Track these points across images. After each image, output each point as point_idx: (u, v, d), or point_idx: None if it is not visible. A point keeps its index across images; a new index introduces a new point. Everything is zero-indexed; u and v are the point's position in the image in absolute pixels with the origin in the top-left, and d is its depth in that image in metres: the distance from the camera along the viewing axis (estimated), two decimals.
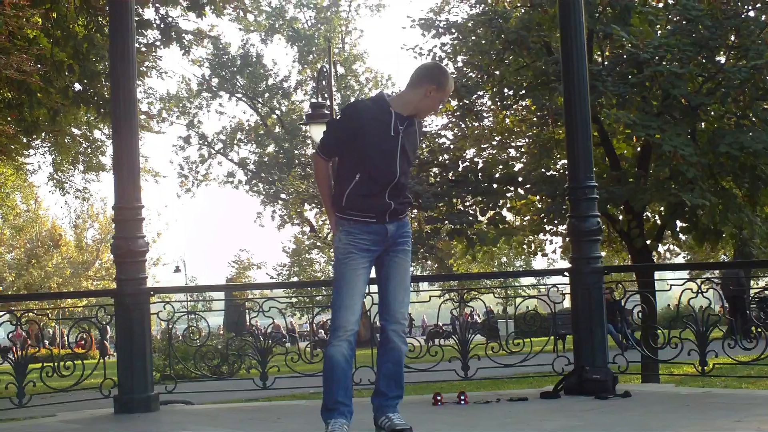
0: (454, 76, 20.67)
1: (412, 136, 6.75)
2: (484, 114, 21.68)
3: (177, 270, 63.97)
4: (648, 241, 18.81)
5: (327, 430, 6.44)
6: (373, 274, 6.81)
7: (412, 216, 21.10)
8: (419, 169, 20.07)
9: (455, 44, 20.91)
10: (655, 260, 21.32)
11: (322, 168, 6.85)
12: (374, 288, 7.08)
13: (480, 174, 19.86)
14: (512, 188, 20.03)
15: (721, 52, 18.22)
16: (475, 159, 20.92)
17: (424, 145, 21.47)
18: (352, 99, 39.12)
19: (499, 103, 20.50)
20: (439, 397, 8.67)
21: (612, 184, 17.50)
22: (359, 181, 6.58)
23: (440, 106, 6.71)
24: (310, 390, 11.25)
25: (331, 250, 9.06)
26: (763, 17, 17.79)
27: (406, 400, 7.31)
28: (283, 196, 48.11)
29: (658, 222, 20.02)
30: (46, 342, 39.44)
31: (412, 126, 6.71)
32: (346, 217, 6.64)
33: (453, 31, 20.63)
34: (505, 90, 20.01)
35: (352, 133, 6.59)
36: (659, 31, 18.31)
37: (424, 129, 22.13)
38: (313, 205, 37.60)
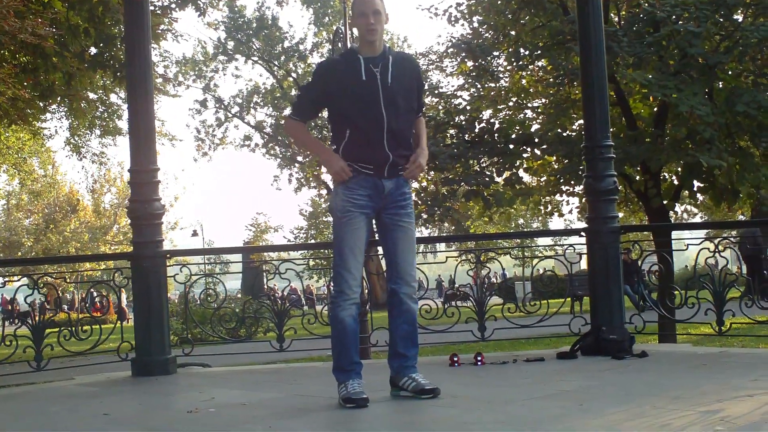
0: (470, 36, 20.63)
1: (402, 79, 6.66)
2: (500, 74, 21.62)
3: (194, 234, 64.14)
4: (665, 201, 18.77)
5: (348, 390, 6.48)
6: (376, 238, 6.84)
7: (428, 177, 21.09)
8: (435, 130, 20.03)
9: (471, 4, 20.87)
10: (672, 221, 21.29)
11: (298, 129, 6.88)
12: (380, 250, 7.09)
13: (496, 135, 19.82)
14: (529, 149, 20.00)
15: (739, 10, 18.10)
16: (492, 120, 20.88)
17: (440, 107, 21.42)
18: None
19: (515, 64, 20.43)
20: (455, 358, 8.67)
21: (628, 143, 17.45)
22: (351, 135, 6.57)
23: (367, 23, 6.52)
24: (327, 352, 11.28)
25: None
26: None
27: (423, 361, 7.32)
28: (299, 158, 48.11)
29: (675, 182, 19.97)
30: (65, 306, 39.62)
31: (397, 67, 6.64)
32: None
33: None
34: (521, 50, 19.93)
35: (326, 88, 6.62)
36: None
37: (440, 90, 22.09)
38: None
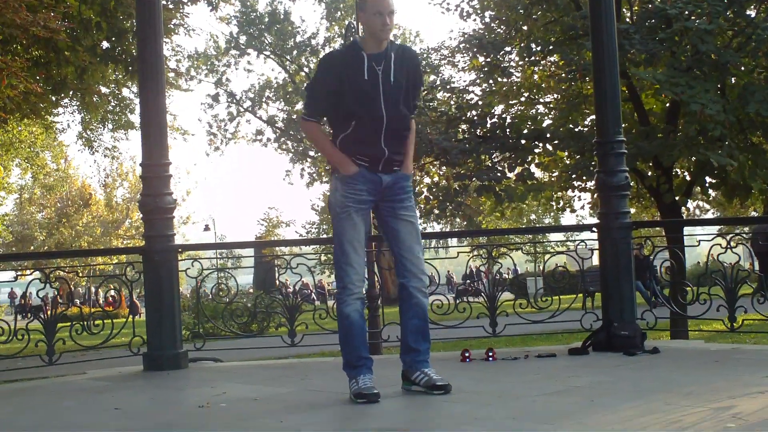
0: (482, 31, 20.63)
1: (403, 76, 6.64)
2: (512, 70, 21.61)
3: (206, 228, 64.15)
4: (677, 197, 18.72)
5: (358, 386, 6.49)
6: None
7: (440, 173, 21.09)
8: (447, 126, 20.04)
9: None
10: (684, 217, 21.25)
11: (315, 130, 6.81)
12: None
13: (508, 130, 19.81)
14: (540, 144, 19.98)
15: (752, 6, 18.04)
16: (503, 115, 20.90)
17: (452, 102, 21.43)
18: None
19: (527, 59, 20.42)
20: (467, 354, 8.66)
21: (641, 139, 17.41)
22: (353, 129, 6.54)
23: (383, 24, 6.46)
24: (338, 347, 11.27)
25: None
26: None
27: (435, 356, 7.31)
28: (311, 153, 48.02)
29: (688, 178, 19.94)
30: (77, 301, 39.69)
31: (398, 64, 6.62)
32: None
33: None
34: (533, 45, 19.90)
35: (334, 81, 6.55)
36: None
37: (452, 85, 22.10)
38: None
